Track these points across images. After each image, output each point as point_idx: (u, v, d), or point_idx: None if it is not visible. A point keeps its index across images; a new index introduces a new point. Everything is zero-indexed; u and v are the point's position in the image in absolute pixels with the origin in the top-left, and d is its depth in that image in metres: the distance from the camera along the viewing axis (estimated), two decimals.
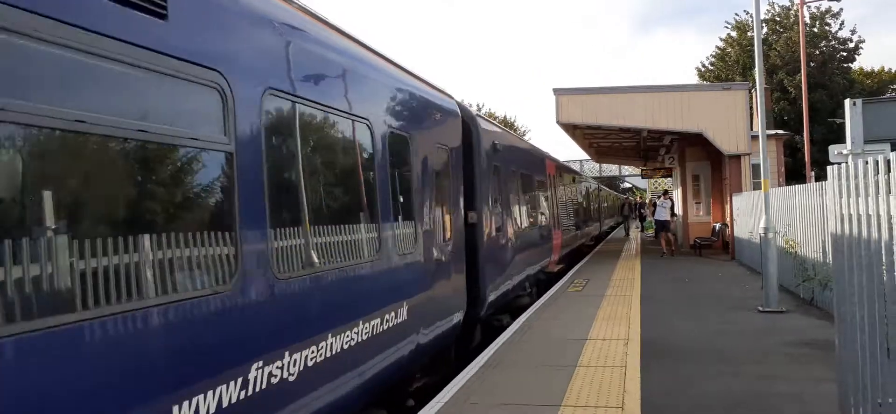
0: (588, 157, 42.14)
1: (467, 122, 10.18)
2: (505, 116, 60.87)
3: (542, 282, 16.32)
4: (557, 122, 22.01)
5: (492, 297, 10.53)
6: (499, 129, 12.82)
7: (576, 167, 38.66)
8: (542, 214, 16.59)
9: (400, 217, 6.91)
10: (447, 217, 8.65)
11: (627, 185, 78.72)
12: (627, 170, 61.87)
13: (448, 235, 8.62)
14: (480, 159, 10.40)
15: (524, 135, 57.74)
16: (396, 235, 6.76)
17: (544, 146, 23.35)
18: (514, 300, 13.00)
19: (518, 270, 12.77)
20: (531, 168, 15.54)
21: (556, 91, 21.70)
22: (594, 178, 46.16)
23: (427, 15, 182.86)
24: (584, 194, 29.27)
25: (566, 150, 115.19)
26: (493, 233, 10.92)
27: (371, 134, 6.37)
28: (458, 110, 9.75)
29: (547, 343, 9.39)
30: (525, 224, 14.05)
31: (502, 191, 11.90)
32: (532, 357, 8.58)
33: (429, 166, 8.01)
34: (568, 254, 21.13)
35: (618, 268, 19.48)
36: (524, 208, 14.07)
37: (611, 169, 63.65)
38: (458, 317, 8.98)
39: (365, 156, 6.32)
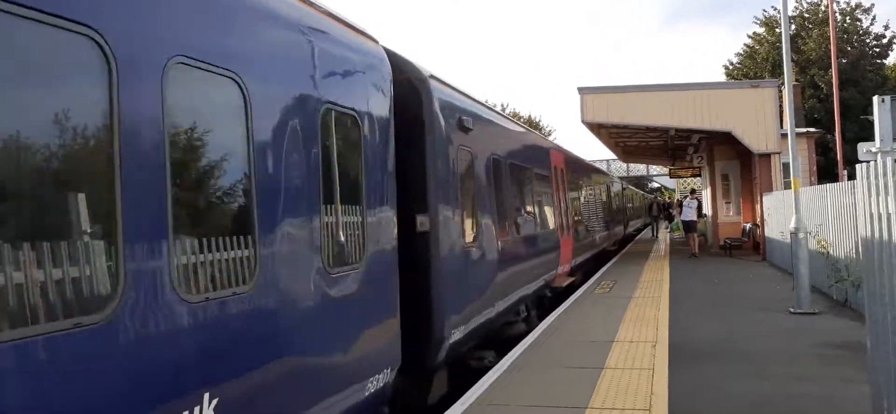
0: (615, 157, 41.86)
1: (415, 85, 7.13)
2: (530, 116, 60.73)
3: (549, 300, 13.69)
4: (582, 121, 21.90)
5: (457, 335, 7.49)
6: (473, 102, 9.23)
7: (602, 167, 38.26)
8: (545, 216, 13.47)
9: (200, 230, 3.79)
10: (359, 225, 5.51)
11: (655, 184, 78.08)
12: (655, 169, 61.32)
13: (360, 253, 5.48)
14: (437, 141, 7.28)
15: (549, 135, 57.43)
16: (181, 265, 3.54)
17: (570, 146, 22.71)
18: (501, 329, 10.15)
19: (506, 291, 9.71)
20: (528, 159, 12.43)
21: (581, 90, 21.60)
22: (621, 177, 45.51)
23: (445, 16, 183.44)
24: (604, 193, 25.80)
25: (593, 149, 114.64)
26: (461, 244, 7.90)
27: (108, 64, 3.10)
28: (384, 58, 6.31)
29: (573, 345, 9.36)
30: (518, 231, 10.88)
31: (479, 186, 8.85)
32: (558, 359, 8.55)
33: (305, 142, 4.72)
34: (583, 263, 18.22)
35: (646, 269, 19.32)
36: (516, 210, 10.97)
37: (638, 168, 63.13)
38: (378, 381, 5.77)
39: (78, 108, 3.03)
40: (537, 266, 12.16)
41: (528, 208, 12.11)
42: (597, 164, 30.91)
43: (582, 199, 19.47)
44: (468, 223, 8.34)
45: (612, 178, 31.63)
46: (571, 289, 15.55)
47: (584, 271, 18.60)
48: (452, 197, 7.71)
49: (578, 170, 19.59)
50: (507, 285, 9.83)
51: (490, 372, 8.05)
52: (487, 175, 9.32)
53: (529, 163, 12.47)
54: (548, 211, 13.84)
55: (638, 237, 39.38)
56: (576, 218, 17.48)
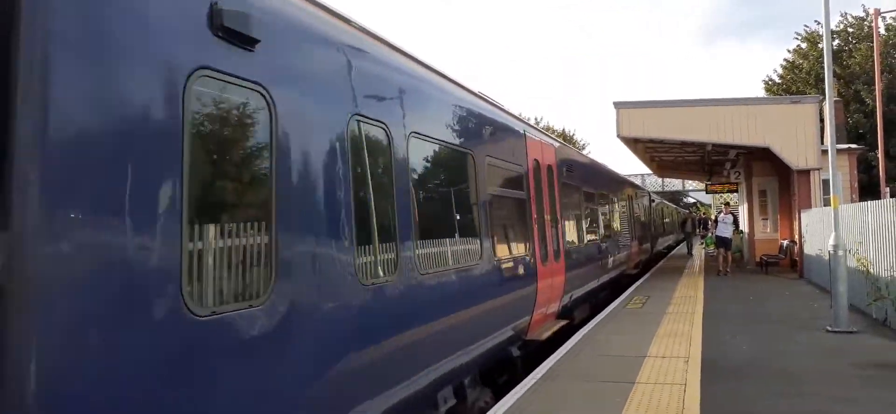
0: (650, 172, 41.48)
1: None
2: (563, 130, 60.42)
3: (528, 357, 9.64)
4: (618, 135, 21.78)
5: None
6: None
7: (636, 181, 37.58)
8: (506, 235, 8.92)
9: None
10: None
11: (691, 200, 77.03)
12: (691, 185, 60.53)
13: None
14: (57, 46, 2.85)
15: (583, 149, 56.89)
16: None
17: (605, 161, 21.81)
18: None
19: (384, 384, 5.37)
20: (468, 139, 7.76)
21: (617, 104, 21.49)
22: (656, 192, 44.71)
23: (472, 27, 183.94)
24: (624, 205, 21.50)
25: (628, 163, 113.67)
26: (174, 307, 3.33)
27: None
28: None
29: (604, 359, 9.32)
30: (425, 262, 6.19)
31: (293, 176, 4.33)
32: (589, 373, 8.53)
33: None
34: (587, 296, 13.98)
35: (680, 285, 19.11)
36: (422, 226, 6.23)
37: (674, 183, 62.39)
38: None
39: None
40: (482, 318, 7.60)
41: (461, 223, 7.54)
42: (632, 179, 30.35)
43: (588, 211, 14.93)
44: (226, 253, 3.78)
45: (636, 187, 26.34)
46: (555, 340, 10.64)
47: (592, 305, 14.71)
48: (154, 193, 3.29)
49: (581, 172, 14.48)
50: (389, 371, 5.46)
51: (523, 382, 8.07)
52: (327, 154, 4.78)
53: (469, 146, 7.76)
54: (514, 228, 9.33)
55: (669, 254, 38.70)
56: (575, 237, 13.09)
